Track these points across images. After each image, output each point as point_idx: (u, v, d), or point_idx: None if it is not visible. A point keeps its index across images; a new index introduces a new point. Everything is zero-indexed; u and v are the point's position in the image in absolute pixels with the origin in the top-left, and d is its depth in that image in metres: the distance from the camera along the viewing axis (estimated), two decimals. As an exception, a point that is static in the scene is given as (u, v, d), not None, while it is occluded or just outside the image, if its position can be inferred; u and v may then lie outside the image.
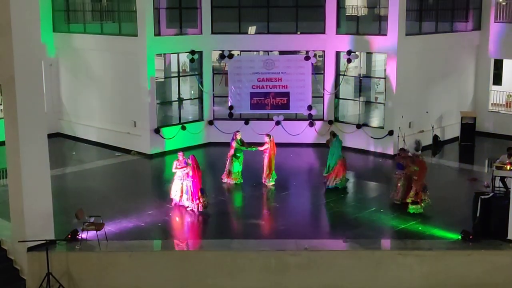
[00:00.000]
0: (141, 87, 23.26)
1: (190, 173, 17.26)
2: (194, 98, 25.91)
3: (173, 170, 17.51)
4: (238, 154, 19.75)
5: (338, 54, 24.56)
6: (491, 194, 15.87)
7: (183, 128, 24.35)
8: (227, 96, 25.11)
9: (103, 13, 25.84)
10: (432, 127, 24.44)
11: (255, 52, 25.67)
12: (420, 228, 16.27)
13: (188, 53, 24.18)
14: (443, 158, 23.56)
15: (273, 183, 19.69)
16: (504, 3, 26.39)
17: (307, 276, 14.65)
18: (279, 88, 24.78)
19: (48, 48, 25.88)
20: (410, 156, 17.82)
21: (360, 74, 25.36)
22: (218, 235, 16.21)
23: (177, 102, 25.01)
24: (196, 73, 25.21)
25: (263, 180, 19.73)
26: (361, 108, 24.98)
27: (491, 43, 26.18)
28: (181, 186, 17.47)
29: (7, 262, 14.97)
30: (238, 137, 19.77)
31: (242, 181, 19.83)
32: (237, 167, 19.79)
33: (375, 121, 24.77)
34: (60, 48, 26.56)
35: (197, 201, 17.28)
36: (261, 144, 19.69)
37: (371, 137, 23.79)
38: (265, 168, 19.70)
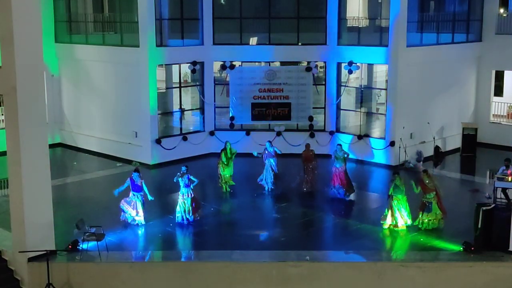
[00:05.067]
0: (143, 98, 23.29)
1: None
2: (195, 109, 25.94)
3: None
4: (226, 162, 20.31)
5: (339, 65, 24.60)
6: (492, 206, 15.83)
7: (185, 138, 24.37)
8: (228, 107, 25.15)
9: (105, 24, 25.92)
10: (434, 138, 24.44)
11: (256, 63, 25.72)
12: (422, 239, 16.23)
13: (189, 64, 24.24)
14: (444, 169, 23.53)
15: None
16: (505, 15, 26.47)
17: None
18: (280, 99, 24.81)
19: (50, 59, 25.91)
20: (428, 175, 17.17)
21: (361, 85, 25.39)
22: (218, 246, 16.17)
23: (179, 113, 25.06)
24: (197, 83, 25.26)
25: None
26: (362, 119, 24.99)
27: (492, 54, 26.22)
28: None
29: (7, 272, 14.94)
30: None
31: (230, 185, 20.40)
32: (227, 172, 20.31)
33: (376, 132, 24.77)
34: (62, 58, 26.63)
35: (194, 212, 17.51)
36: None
37: (372, 148, 23.79)
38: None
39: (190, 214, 17.30)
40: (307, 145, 20.81)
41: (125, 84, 24.15)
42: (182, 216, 17.27)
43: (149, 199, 17.40)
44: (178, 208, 17.35)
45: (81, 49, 25.73)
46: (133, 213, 17.11)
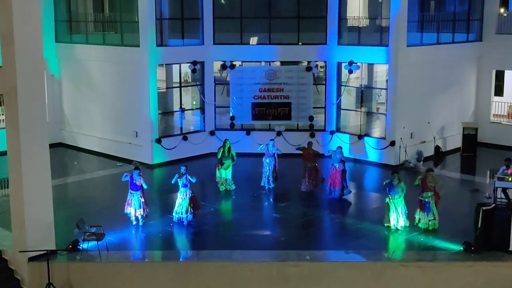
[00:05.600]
0: (143, 98, 23.30)
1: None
2: (196, 109, 25.95)
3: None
4: (223, 161, 20.17)
5: (339, 64, 24.61)
6: (493, 205, 15.82)
7: (185, 138, 24.38)
8: (228, 107, 25.16)
9: (106, 24, 25.93)
10: (434, 138, 24.44)
11: (257, 63, 25.70)
12: (421, 239, 16.24)
13: (190, 64, 24.25)
14: (444, 169, 23.51)
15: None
16: (505, 15, 26.46)
17: (309, 287, 14.60)
18: (280, 98, 24.81)
19: (50, 59, 25.93)
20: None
21: (361, 85, 25.40)
22: (218, 246, 16.17)
23: (179, 112, 25.06)
24: (198, 83, 25.27)
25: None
26: (362, 119, 24.99)
27: (492, 54, 26.21)
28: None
29: (8, 272, 14.96)
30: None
31: (231, 188, 20.32)
32: (223, 173, 20.22)
33: (376, 132, 24.78)
34: (62, 58, 26.64)
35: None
36: None
37: (373, 147, 23.79)
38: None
39: (189, 214, 17.30)
40: (309, 144, 20.71)
41: (125, 84, 24.15)
42: (181, 217, 17.25)
43: (144, 187, 17.22)
44: (176, 208, 17.36)
45: (81, 49, 25.74)
46: (131, 211, 17.14)
